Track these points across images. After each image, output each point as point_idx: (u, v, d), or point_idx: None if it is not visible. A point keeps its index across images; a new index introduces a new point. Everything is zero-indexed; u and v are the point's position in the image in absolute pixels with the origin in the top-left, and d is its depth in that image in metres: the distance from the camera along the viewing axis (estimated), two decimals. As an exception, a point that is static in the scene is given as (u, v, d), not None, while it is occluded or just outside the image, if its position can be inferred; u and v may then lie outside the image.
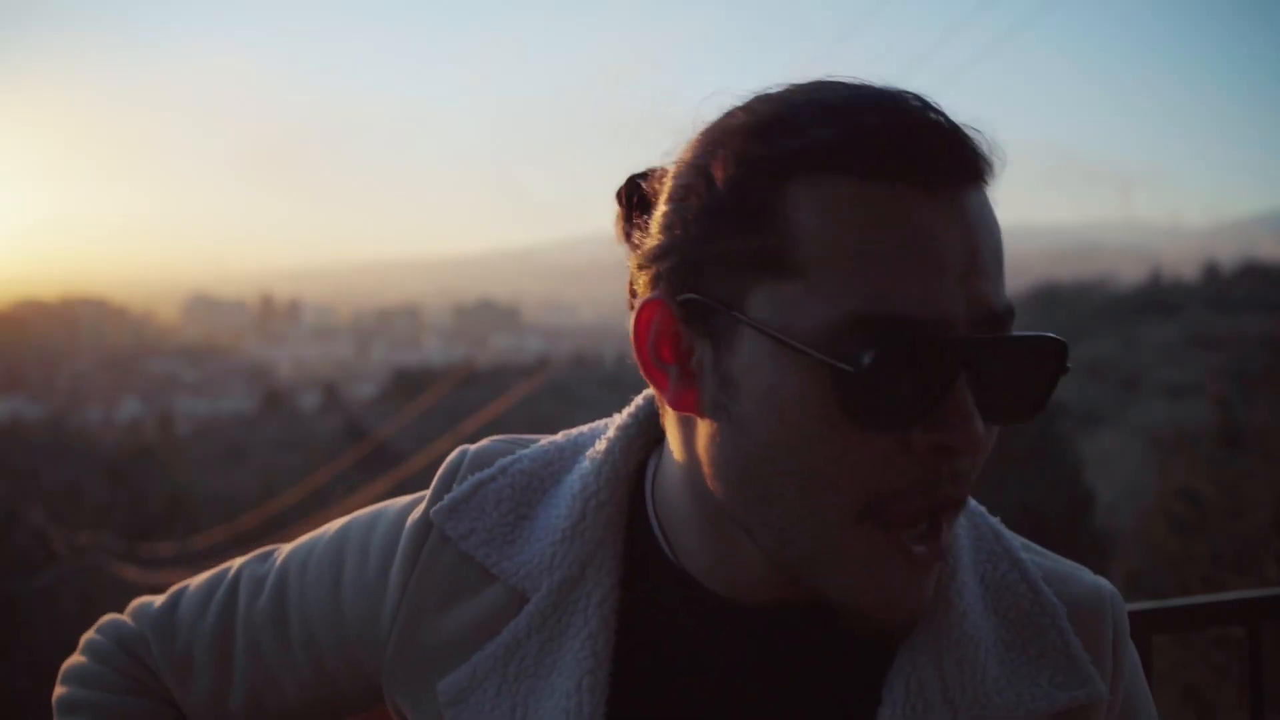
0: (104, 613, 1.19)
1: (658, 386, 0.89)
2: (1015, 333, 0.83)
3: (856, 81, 0.85)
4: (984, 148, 0.82)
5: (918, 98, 0.82)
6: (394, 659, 1.01)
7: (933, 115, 0.81)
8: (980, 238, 0.81)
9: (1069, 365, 0.85)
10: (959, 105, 0.83)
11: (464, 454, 1.06)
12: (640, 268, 0.91)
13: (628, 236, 1.00)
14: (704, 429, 0.87)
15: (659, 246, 0.88)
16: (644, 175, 0.98)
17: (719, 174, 0.84)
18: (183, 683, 1.11)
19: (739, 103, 0.88)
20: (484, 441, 1.07)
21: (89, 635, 1.17)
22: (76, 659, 1.16)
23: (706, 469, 0.88)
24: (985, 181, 0.83)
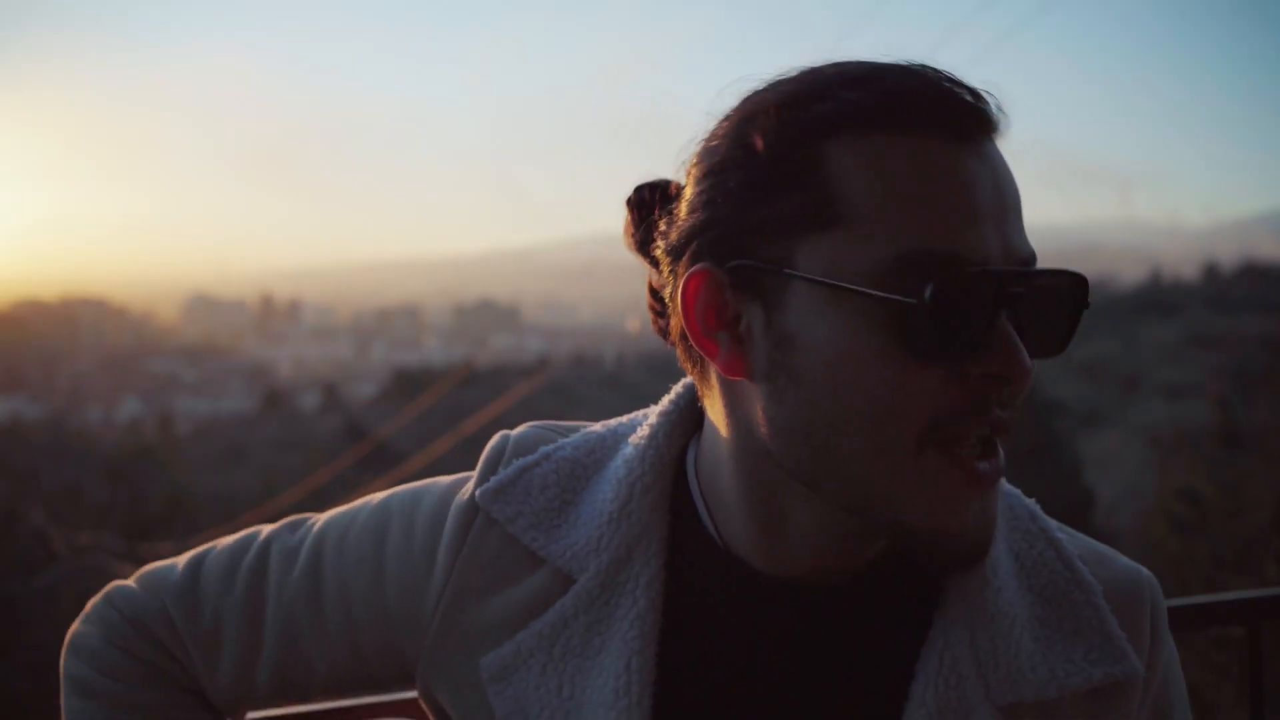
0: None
1: (709, 355, 0.91)
2: (1043, 267, 0.88)
3: (870, 59, 0.90)
4: (997, 102, 0.88)
5: (930, 65, 0.88)
6: (436, 640, 1.01)
7: (950, 75, 0.87)
8: (1005, 186, 0.87)
9: (1089, 302, 0.90)
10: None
11: (506, 439, 1.07)
12: (673, 252, 0.93)
13: (640, 245, 1.01)
14: (757, 392, 0.90)
15: (698, 222, 0.90)
16: (651, 183, 1.01)
17: (758, 143, 0.87)
18: (208, 658, 1.08)
19: (759, 86, 0.92)
20: (523, 428, 1.09)
21: (97, 604, 1.12)
22: (85, 629, 1.11)
23: (764, 430, 0.90)
24: (1001, 134, 0.88)
